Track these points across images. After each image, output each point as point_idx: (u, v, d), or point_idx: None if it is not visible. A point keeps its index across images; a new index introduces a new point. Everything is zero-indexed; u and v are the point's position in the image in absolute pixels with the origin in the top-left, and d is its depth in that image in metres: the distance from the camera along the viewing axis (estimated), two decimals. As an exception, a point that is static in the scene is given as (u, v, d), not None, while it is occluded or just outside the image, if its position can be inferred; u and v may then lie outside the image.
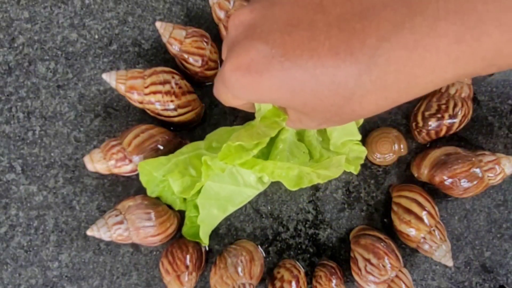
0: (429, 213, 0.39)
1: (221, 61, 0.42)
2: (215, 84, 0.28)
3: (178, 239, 0.40)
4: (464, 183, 0.39)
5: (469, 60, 0.19)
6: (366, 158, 0.42)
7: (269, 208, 0.43)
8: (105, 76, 0.38)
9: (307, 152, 0.39)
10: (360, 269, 0.38)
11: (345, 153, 0.39)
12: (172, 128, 0.43)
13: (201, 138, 0.41)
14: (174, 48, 0.39)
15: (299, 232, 0.43)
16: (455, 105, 0.40)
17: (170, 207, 0.41)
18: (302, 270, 0.41)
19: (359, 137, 0.40)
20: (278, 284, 0.39)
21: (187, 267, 0.37)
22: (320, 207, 0.43)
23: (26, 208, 0.42)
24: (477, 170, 0.39)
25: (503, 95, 0.44)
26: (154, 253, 0.42)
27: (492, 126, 0.44)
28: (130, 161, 0.38)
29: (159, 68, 0.39)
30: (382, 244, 0.38)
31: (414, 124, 0.42)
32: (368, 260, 0.38)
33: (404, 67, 0.20)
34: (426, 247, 0.39)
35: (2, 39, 0.44)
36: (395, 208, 0.41)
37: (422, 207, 0.39)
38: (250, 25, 0.23)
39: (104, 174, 0.41)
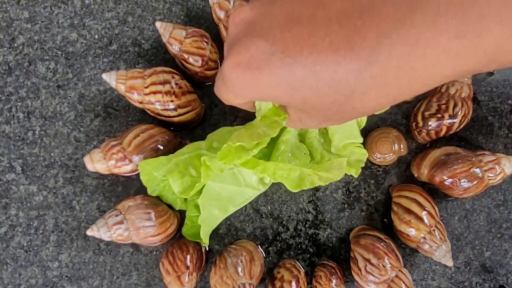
0: (429, 213, 0.39)
1: (222, 61, 0.42)
2: (215, 83, 0.28)
3: (178, 239, 0.40)
4: (464, 183, 0.39)
5: (470, 56, 0.19)
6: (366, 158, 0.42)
7: (269, 208, 0.43)
8: (105, 76, 0.38)
9: (308, 154, 0.39)
10: (360, 269, 0.38)
11: (346, 156, 0.39)
12: (172, 128, 0.43)
13: (201, 138, 0.41)
14: (174, 48, 0.39)
15: (299, 232, 0.43)
16: (455, 105, 0.40)
17: (170, 207, 0.41)
18: (302, 270, 0.41)
19: (361, 140, 0.40)
20: (278, 284, 0.39)
21: (187, 267, 0.37)
22: (320, 207, 0.43)
23: (26, 208, 0.42)
24: (477, 170, 0.39)
25: (503, 95, 0.44)
26: (154, 253, 0.42)
27: (492, 126, 0.44)
28: (130, 161, 0.38)
29: (159, 68, 0.39)
30: (382, 244, 0.38)
31: (414, 124, 0.42)
32: (368, 260, 0.38)
33: (405, 63, 0.20)
34: (426, 247, 0.39)
35: (2, 39, 0.44)
36: (395, 208, 0.41)
37: (422, 207, 0.39)
38: (250, 22, 0.23)
39: (104, 174, 0.41)
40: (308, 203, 0.43)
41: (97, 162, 0.38)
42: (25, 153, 0.43)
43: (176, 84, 0.39)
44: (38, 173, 0.43)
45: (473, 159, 0.39)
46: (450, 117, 0.40)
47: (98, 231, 0.37)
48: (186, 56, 0.39)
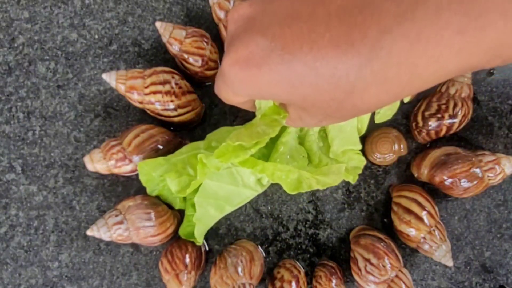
0: (429, 213, 0.39)
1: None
2: (215, 81, 0.28)
3: (178, 239, 0.40)
4: (464, 183, 0.39)
5: (472, 51, 0.19)
6: (366, 158, 0.42)
7: (269, 208, 0.43)
8: (105, 76, 0.38)
9: (306, 156, 0.39)
10: (360, 269, 0.38)
11: (344, 162, 0.39)
12: (172, 128, 0.43)
13: (201, 138, 0.41)
14: (174, 48, 0.39)
15: (299, 232, 0.43)
16: (455, 105, 0.40)
17: (170, 206, 0.41)
18: (302, 270, 0.41)
19: (360, 147, 0.40)
20: (278, 284, 0.39)
21: (186, 266, 0.37)
22: (320, 207, 0.43)
23: (26, 208, 0.42)
24: (477, 170, 0.39)
25: (503, 95, 0.44)
26: (154, 253, 0.42)
27: (492, 126, 0.44)
28: (130, 161, 0.38)
29: (159, 68, 0.39)
30: (382, 244, 0.38)
31: (414, 124, 0.42)
32: (368, 260, 0.38)
33: (406, 59, 0.19)
34: (426, 247, 0.39)
35: (2, 39, 0.44)
36: (395, 208, 0.41)
37: (422, 207, 0.39)
38: (249, 19, 0.23)
39: (104, 174, 0.41)
40: (308, 203, 0.43)
41: (97, 162, 0.38)
42: (25, 153, 0.43)
43: (176, 84, 0.39)
44: (38, 173, 0.43)
45: (473, 159, 0.39)
46: (450, 117, 0.40)
47: (98, 231, 0.37)
48: (186, 56, 0.39)
